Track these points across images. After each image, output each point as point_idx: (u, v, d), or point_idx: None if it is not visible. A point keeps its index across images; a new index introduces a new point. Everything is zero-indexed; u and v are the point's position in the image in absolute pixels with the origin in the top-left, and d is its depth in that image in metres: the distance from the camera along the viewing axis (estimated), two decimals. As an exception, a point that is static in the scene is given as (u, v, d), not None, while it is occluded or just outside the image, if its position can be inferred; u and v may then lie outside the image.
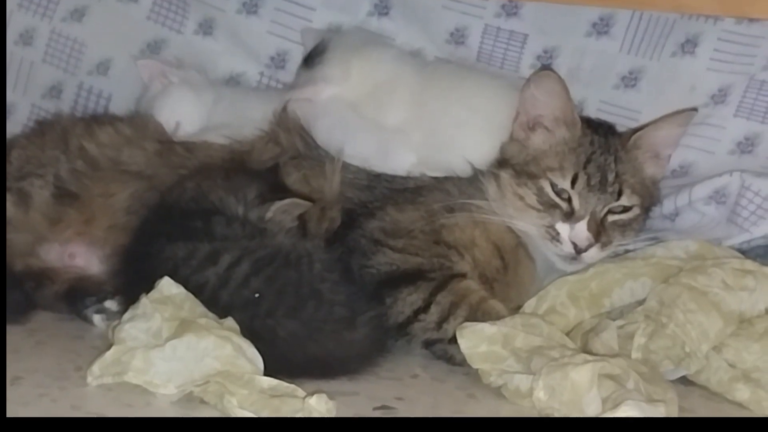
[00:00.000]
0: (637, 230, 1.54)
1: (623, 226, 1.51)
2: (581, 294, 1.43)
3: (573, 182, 1.49)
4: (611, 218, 1.50)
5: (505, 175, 1.53)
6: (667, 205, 1.63)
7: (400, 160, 1.60)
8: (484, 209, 1.51)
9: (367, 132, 1.62)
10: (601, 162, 1.50)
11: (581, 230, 1.47)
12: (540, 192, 1.50)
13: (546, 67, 1.62)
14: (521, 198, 1.52)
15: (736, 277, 1.39)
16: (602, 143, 1.52)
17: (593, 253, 1.48)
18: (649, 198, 1.56)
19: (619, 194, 1.49)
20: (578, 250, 1.47)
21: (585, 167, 1.49)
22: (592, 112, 1.71)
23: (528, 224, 1.51)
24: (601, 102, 1.71)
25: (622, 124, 1.65)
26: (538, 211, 1.50)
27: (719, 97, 1.65)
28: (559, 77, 1.52)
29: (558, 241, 1.48)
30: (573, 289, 1.43)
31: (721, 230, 1.57)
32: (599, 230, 1.48)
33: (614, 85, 1.70)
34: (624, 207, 1.50)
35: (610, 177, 1.49)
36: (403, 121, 1.62)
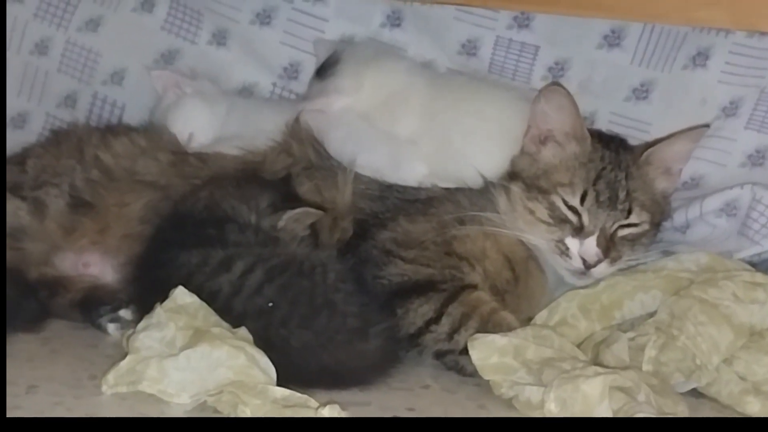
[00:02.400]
0: (647, 245, 1.54)
1: (633, 241, 1.51)
2: (592, 306, 1.43)
3: (582, 199, 1.49)
4: (621, 233, 1.50)
5: (516, 189, 1.54)
6: (678, 218, 1.63)
7: (412, 171, 1.61)
8: (494, 221, 1.52)
9: (379, 143, 1.63)
10: (612, 178, 1.50)
11: (591, 246, 1.47)
12: (551, 207, 1.51)
13: (555, 83, 1.63)
14: (532, 212, 1.52)
15: (747, 289, 1.39)
16: (613, 159, 1.52)
17: (602, 269, 1.48)
18: (660, 213, 1.55)
19: (629, 211, 1.49)
20: (587, 266, 1.47)
21: (595, 183, 1.49)
22: (603, 124, 1.71)
23: (538, 238, 1.51)
24: (612, 114, 1.71)
25: (633, 137, 1.65)
26: (549, 225, 1.51)
27: (730, 109, 1.65)
28: (568, 92, 1.52)
29: (567, 255, 1.49)
30: (584, 301, 1.44)
31: (732, 243, 1.57)
32: (609, 246, 1.48)
33: (625, 98, 1.71)
34: (633, 223, 1.50)
35: (621, 194, 1.49)
36: (415, 133, 1.63)
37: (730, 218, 1.59)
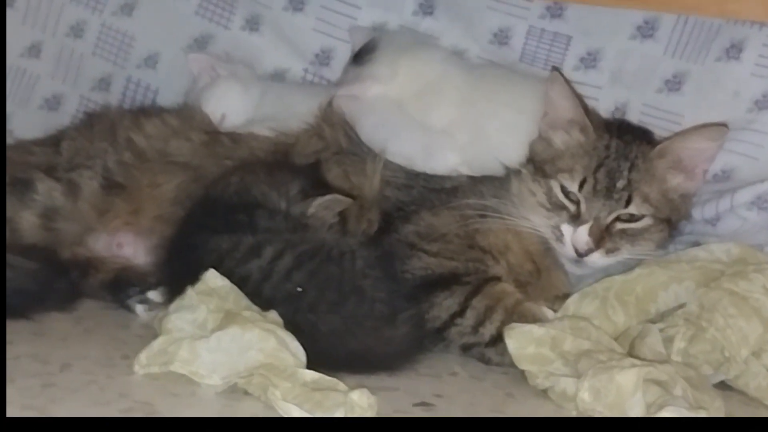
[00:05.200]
0: (654, 241, 1.51)
1: (633, 236, 1.49)
2: (628, 298, 1.42)
3: (581, 186, 1.48)
4: (619, 226, 1.48)
5: (525, 171, 1.55)
6: (709, 210, 1.62)
7: (444, 161, 1.62)
8: (512, 215, 1.52)
9: (412, 132, 1.63)
10: (614, 168, 1.49)
11: (582, 235, 1.46)
12: (549, 192, 1.51)
13: (555, 68, 1.61)
14: (533, 194, 1.52)
15: (778, 283, 1.39)
16: (621, 149, 1.50)
17: (595, 258, 1.47)
18: (671, 210, 1.52)
19: (628, 202, 1.48)
20: (579, 254, 1.47)
21: (595, 172, 1.48)
22: (635, 115, 1.70)
23: (539, 223, 1.51)
24: (644, 105, 1.70)
25: (665, 128, 1.64)
26: (547, 210, 1.51)
27: (763, 102, 1.64)
28: (565, 80, 1.52)
29: (562, 242, 1.49)
30: (621, 290, 1.43)
31: (763, 236, 1.56)
32: (602, 236, 1.46)
33: (657, 89, 1.70)
34: (632, 215, 1.48)
35: (620, 184, 1.47)
36: (449, 123, 1.63)
37: (761, 211, 1.58)
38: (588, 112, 1.54)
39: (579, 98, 1.54)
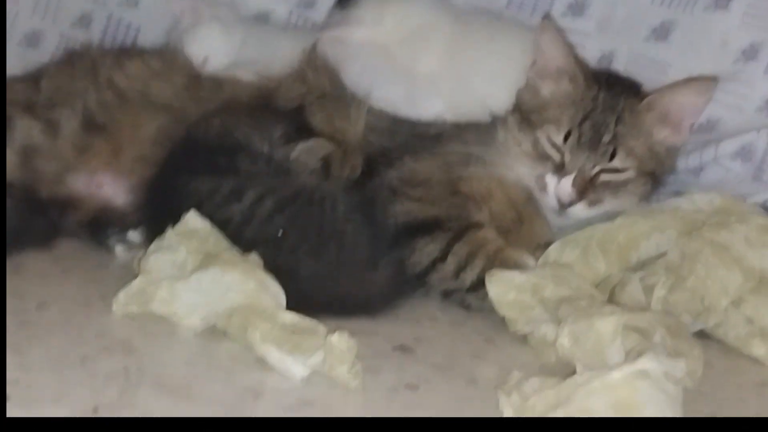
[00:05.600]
0: (637, 194, 1.50)
1: (616, 188, 1.48)
2: (610, 247, 1.42)
3: (566, 138, 1.47)
4: (603, 178, 1.47)
5: (512, 120, 1.53)
6: (692, 160, 1.62)
7: (429, 108, 1.60)
8: (496, 162, 1.51)
9: (397, 77, 1.61)
10: (600, 121, 1.47)
11: (565, 186, 1.45)
12: (535, 142, 1.49)
13: (546, 16, 1.58)
14: (519, 143, 1.51)
15: (759, 233, 1.38)
16: (608, 101, 1.48)
17: (579, 209, 1.46)
18: (656, 163, 1.51)
19: (612, 156, 1.46)
20: (561, 205, 1.46)
21: (581, 124, 1.47)
22: (622, 64, 1.69)
23: (523, 173, 1.50)
24: (630, 54, 1.69)
25: (651, 77, 1.62)
26: (532, 159, 1.49)
27: (750, 53, 1.62)
28: (557, 27, 1.50)
29: (545, 192, 1.48)
30: (603, 238, 1.43)
31: (746, 187, 1.56)
32: (586, 188, 1.45)
33: (645, 38, 1.68)
34: (616, 168, 1.47)
35: (606, 137, 1.46)
36: (434, 69, 1.61)
37: (745, 162, 1.58)
38: (579, 62, 1.52)
39: (570, 47, 1.51)
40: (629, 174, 1.48)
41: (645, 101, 1.49)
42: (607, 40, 1.70)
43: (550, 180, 1.47)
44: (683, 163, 1.61)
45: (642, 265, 1.42)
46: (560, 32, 1.51)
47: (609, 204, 1.48)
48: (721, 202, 1.46)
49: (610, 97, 1.49)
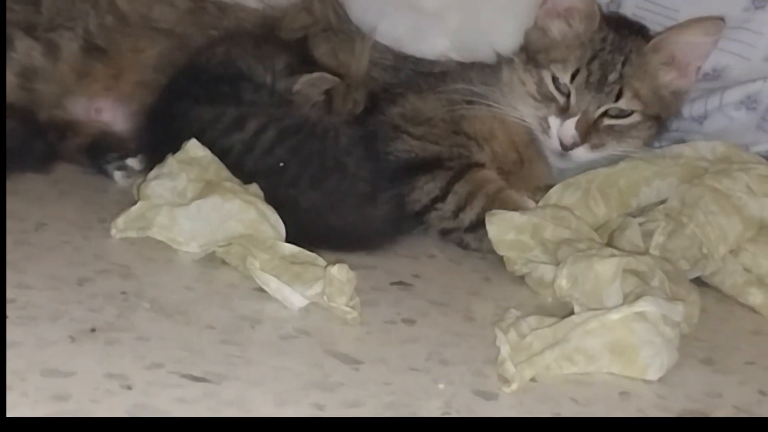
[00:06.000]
0: (641, 138, 1.50)
1: (620, 132, 1.47)
2: (611, 191, 1.42)
3: (573, 77, 1.46)
4: (607, 122, 1.46)
5: (518, 60, 1.52)
6: (697, 108, 1.61)
7: (433, 45, 1.58)
8: (499, 103, 1.50)
9: (403, 12, 1.59)
10: (607, 60, 1.46)
11: (569, 128, 1.44)
12: (540, 82, 1.48)
13: None
14: (523, 84, 1.50)
15: (761, 182, 1.39)
16: (616, 42, 1.47)
17: (581, 153, 1.45)
18: (661, 107, 1.50)
19: (618, 96, 1.45)
20: (564, 147, 1.45)
21: (589, 63, 1.45)
22: (630, 9, 1.66)
23: (526, 114, 1.49)
24: (638, -1, 1.67)
25: (659, 23, 1.61)
26: (536, 101, 1.48)
27: (760, 1, 1.60)
28: None
29: (548, 134, 1.47)
30: (603, 183, 1.42)
31: (750, 136, 1.56)
32: (589, 131, 1.44)
33: (655, -18, 1.67)
34: (621, 110, 1.46)
35: (612, 77, 1.45)
36: (441, 6, 1.59)
37: (749, 111, 1.57)
38: (596, 1, 1.51)
39: None
40: (634, 118, 1.47)
41: (651, 42, 1.48)
42: (617, -16, 1.68)
43: (554, 122, 1.46)
44: (687, 111, 1.60)
45: (642, 211, 1.42)
46: None
47: (612, 148, 1.47)
48: (723, 150, 1.46)
49: (618, 38, 1.48)
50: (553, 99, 1.47)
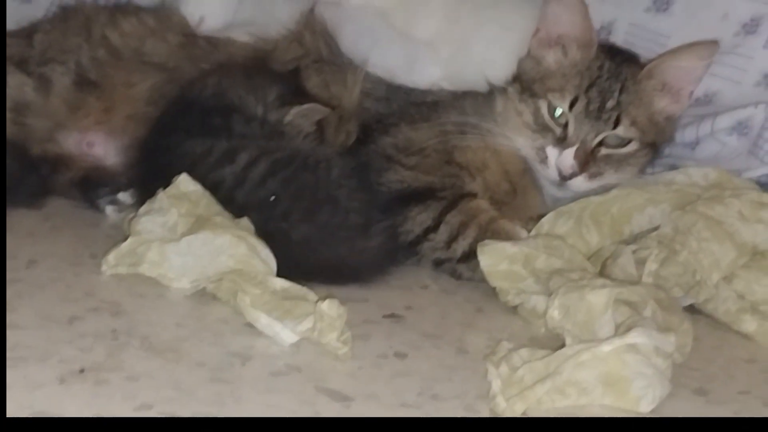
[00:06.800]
0: (637, 166, 1.50)
1: (618, 161, 1.47)
2: (603, 219, 1.42)
3: (572, 105, 1.46)
4: (605, 151, 1.46)
5: (512, 90, 1.52)
6: (689, 134, 1.61)
7: (425, 74, 1.58)
8: (493, 133, 1.50)
9: (395, 43, 1.59)
10: (605, 88, 1.46)
11: (567, 157, 1.44)
12: (536, 112, 1.48)
13: None
14: (519, 114, 1.50)
15: (753, 209, 1.38)
16: (612, 70, 1.48)
17: (579, 182, 1.46)
18: (656, 133, 1.50)
19: (616, 123, 1.45)
20: (562, 177, 1.45)
21: (587, 91, 1.46)
22: (621, 35, 1.68)
23: (522, 144, 1.49)
24: (630, 25, 1.68)
25: (650, 49, 1.62)
26: (533, 131, 1.48)
27: (751, 26, 1.61)
28: None
29: (546, 165, 1.47)
30: (596, 210, 1.42)
31: (741, 162, 1.56)
32: (587, 160, 1.44)
33: (646, 8, 1.67)
34: (620, 138, 1.46)
35: (609, 104, 1.45)
36: (433, 36, 1.59)
37: (741, 137, 1.58)
38: (594, 29, 1.51)
39: (588, 14, 1.49)
40: (631, 146, 1.47)
41: (645, 69, 1.48)
42: (608, 10, 1.69)
43: (551, 152, 1.46)
44: (679, 137, 1.61)
45: (635, 238, 1.42)
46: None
47: (609, 176, 1.47)
48: (716, 176, 1.46)
49: (614, 66, 1.48)
50: (549, 129, 1.47)
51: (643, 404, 1.05)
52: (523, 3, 1.60)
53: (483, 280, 1.34)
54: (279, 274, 1.23)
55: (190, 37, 1.62)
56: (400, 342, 1.16)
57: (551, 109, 1.47)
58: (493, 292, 1.34)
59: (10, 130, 1.52)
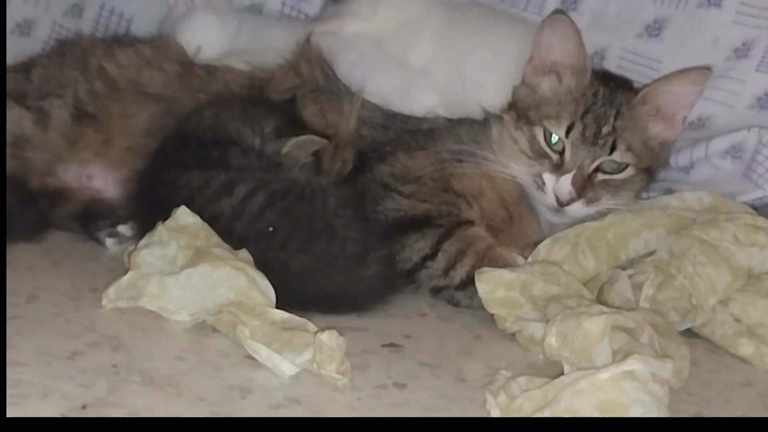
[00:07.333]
0: (633, 191, 1.51)
1: (615, 187, 1.48)
2: (599, 244, 1.43)
3: (568, 131, 1.46)
4: (601, 177, 1.47)
5: (508, 118, 1.52)
6: (683, 158, 1.63)
7: (422, 101, 1.59)
8: (489, 160, 1.50)
9: (390, 70, 1.61)
10: (600, 114, 1.47)
11: (565, 184, 1.45)
12: (532, 139, 1.49)
13: (560, 11, 1.59)
14: (515, 142, 1.50)
15: (748, 232, 1.39)
16: (607, 96, 1.49)
17: (576, 208, 1.46)
18: (651, 158, 1.51)
19: (612, 149, 1.46)
20: (560, 203, 1.46)
21: (583, 117, 1.47)
22: (614, 60, 1.70)
23: (519, 171, 1.50)
24: (623, 50, 1.70)
25: (643, 74, 1.64)
26: (529, 158, 1.49)
27: (742, 51, 1.63)
28: (572, 22, 1.49)
29: (543, 191, 1.47)
30: (592, 236, 1.43)
31: (735, 185, 1.57)
32: (584, 186, 1.45)
33: (638, 34, 1.69)
34: (617, 164, 1.47)
35: (605, 130, 1.45)
36: (427, 62, 1.61)
37: (735, 161, 1.59)
38: (587, 56, 1.52)
39: (582, 41, 1.50)
40: (628, 172, 1.48)
41: (640, 94, 1.49)
42: (600, 36, 1.70)
43: (548, 179, 1.47)
44: (674, 161, 1.62)
45: (631, 263, 1.43)
46: (575, 26, 1.49)
47: (606, 202, 1.48)
48: (710, 200, 1.47)
49: (608, 92, 1.49)
50: (546, 156, 1.48)
51: (641, 431, 1.05)
52: (517, 26, 1.62)
53: (481, 307, 1.35)
54: (278, 305, 1.24)
55: (187, 66, 1.64)
56: (399, 372, 1.17)
57: (547, 136, 1.48)
58: (490, 319, 1.35)
59: (10, 164, 1.52)
